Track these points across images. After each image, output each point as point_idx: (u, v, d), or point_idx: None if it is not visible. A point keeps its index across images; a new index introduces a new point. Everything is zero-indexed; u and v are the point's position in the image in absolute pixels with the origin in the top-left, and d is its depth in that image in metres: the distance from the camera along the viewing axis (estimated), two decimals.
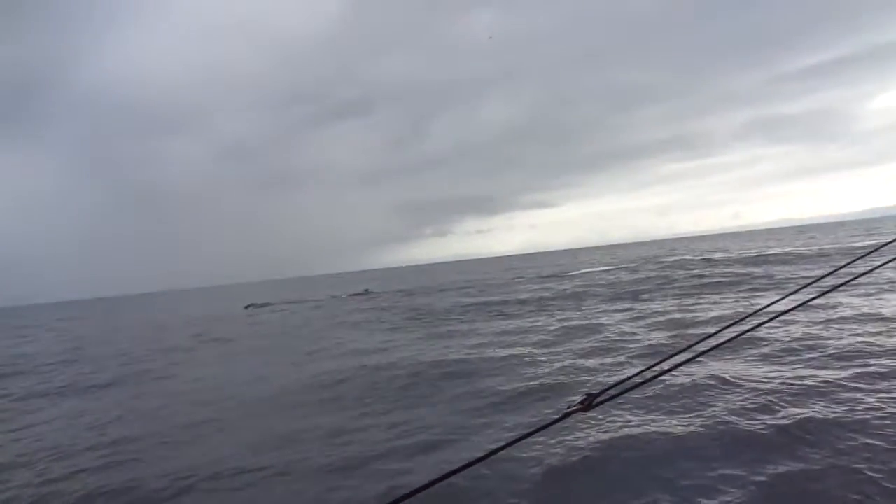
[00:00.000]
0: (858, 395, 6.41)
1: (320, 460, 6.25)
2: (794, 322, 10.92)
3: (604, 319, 14.92)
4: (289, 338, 19.11)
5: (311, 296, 48.44)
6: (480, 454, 1.80)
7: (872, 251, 2.48)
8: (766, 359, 8.79)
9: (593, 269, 42.20)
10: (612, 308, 17.25)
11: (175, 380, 12.69)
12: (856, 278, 2.47)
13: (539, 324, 15.47)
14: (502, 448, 1.88)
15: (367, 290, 45.48)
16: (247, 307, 39.64)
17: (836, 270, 2.42)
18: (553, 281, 34.60)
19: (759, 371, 8.11)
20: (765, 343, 9.68)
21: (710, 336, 2.25)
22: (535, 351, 11.42)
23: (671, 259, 43.89)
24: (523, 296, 25.24)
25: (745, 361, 8.80)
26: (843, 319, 10.91)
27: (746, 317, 2.33)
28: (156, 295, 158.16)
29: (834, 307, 12.16)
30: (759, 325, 2.25)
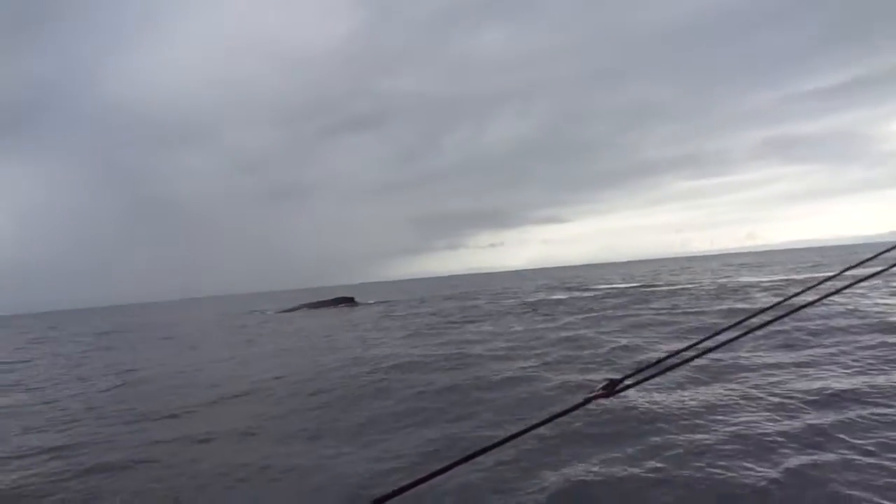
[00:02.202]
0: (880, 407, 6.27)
1: None
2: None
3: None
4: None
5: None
6: (500, 438, 1.78)
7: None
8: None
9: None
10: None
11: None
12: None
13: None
14: (523, 432, 1.85)
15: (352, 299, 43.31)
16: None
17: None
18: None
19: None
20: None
21: (739, 323, 2.21)
22: None
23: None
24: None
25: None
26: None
27: (775, 305, 2.28)
28: (165, 304, 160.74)
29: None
30: (785, 315, 2.20)
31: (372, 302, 42.78)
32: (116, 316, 72.75)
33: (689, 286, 29.51)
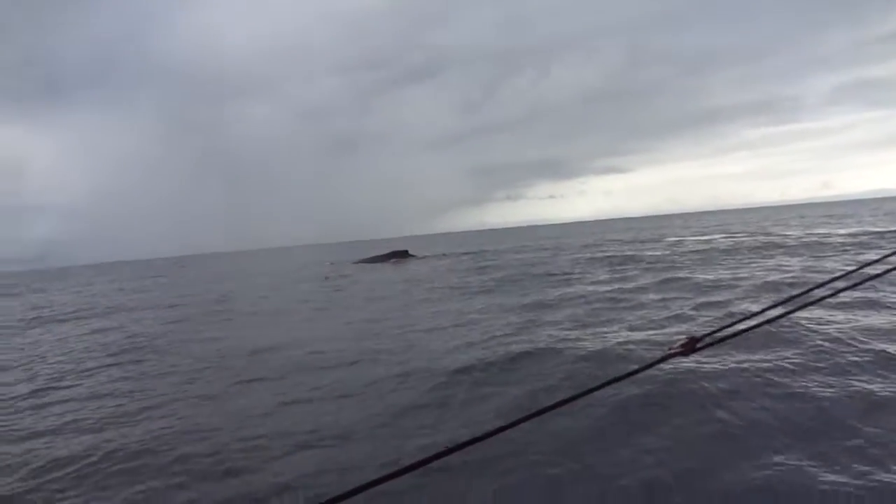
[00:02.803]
0: None
1: None
2: None
3: None
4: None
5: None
6: (576, 392, 1.78)
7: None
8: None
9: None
10: None
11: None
12: None
13: None
14: (599, 387, 1.85)
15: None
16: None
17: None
18: None
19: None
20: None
21: (826, 283, 2.11)
22: None
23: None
24: None
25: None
26: None
27: (867, 265, 2.17)
28: (226, 255, 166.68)
29: None
30: (877, 275, 2.09)
31: (427, 256, 43.29)
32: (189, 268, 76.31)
33: (764, 239, 28.31)
